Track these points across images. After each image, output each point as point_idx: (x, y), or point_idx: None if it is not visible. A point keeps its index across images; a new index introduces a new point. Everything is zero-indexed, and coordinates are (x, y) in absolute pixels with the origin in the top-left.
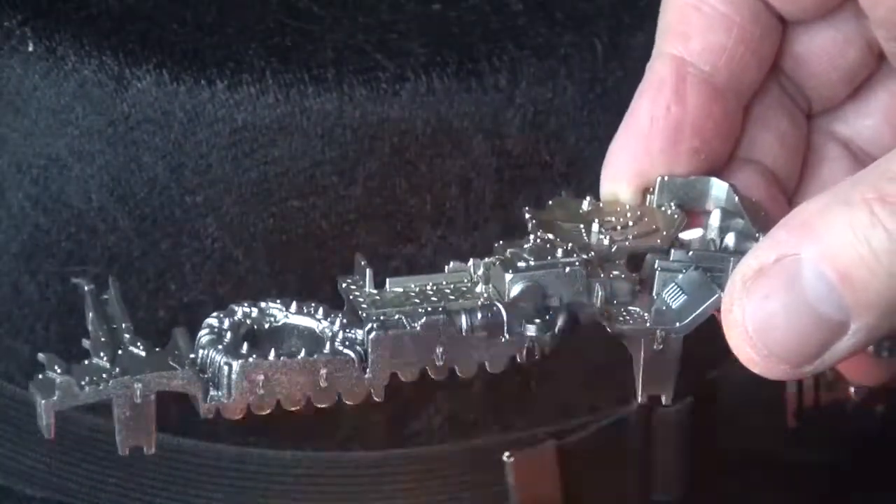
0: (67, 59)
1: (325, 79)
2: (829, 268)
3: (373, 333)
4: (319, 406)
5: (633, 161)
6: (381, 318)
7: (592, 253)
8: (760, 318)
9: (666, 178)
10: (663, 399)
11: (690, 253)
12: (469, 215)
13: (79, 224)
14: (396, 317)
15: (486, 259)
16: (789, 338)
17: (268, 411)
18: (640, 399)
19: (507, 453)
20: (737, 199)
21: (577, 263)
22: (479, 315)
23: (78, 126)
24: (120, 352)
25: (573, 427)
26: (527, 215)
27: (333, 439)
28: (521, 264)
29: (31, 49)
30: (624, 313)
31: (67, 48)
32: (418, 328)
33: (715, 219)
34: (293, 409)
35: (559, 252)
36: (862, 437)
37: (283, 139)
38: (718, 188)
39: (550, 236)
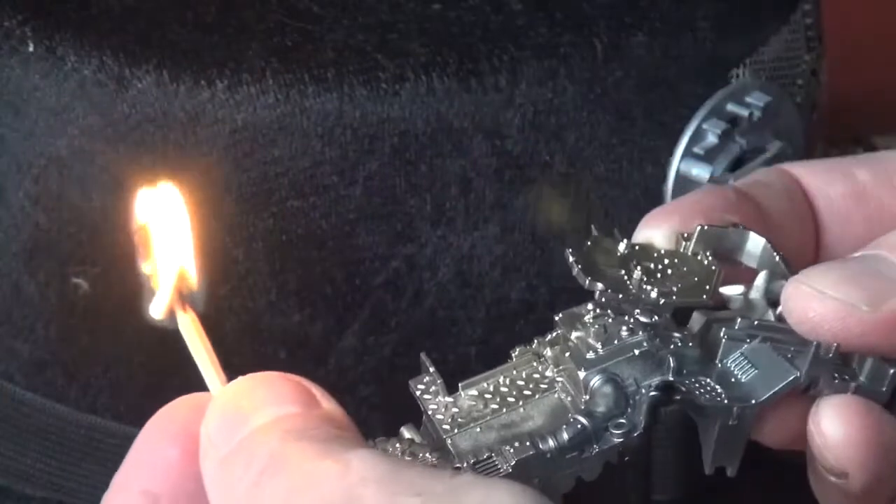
0: (67, 59)
1: (325, 79)
2: None
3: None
4: None
5: (677, 215)
6: (472, 461)
7: (655, 318)
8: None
9: (705, 226)
10: (728, 471)
11: (755, 322)
12: (469, 215)
13: (79, 224)
14: (486, 455)
15: (550, 336)
16: (842, 276)
17: None
18: (708, 471)
19: None
20: (775, 255)
21: (645, 344)
22: (566, 436)
23: (78, 126)
24: None
25: None
26: (570, 259)
27: None
28: (591, 356)
29: (31, 49)
30: (697, 385)
31: (67, 48)
32: (510, 469)
33: (760, 279)
34: None
35: (624, 331)
36: None
37: (283, 139)
38: (754, 242)
39: (600, 286)
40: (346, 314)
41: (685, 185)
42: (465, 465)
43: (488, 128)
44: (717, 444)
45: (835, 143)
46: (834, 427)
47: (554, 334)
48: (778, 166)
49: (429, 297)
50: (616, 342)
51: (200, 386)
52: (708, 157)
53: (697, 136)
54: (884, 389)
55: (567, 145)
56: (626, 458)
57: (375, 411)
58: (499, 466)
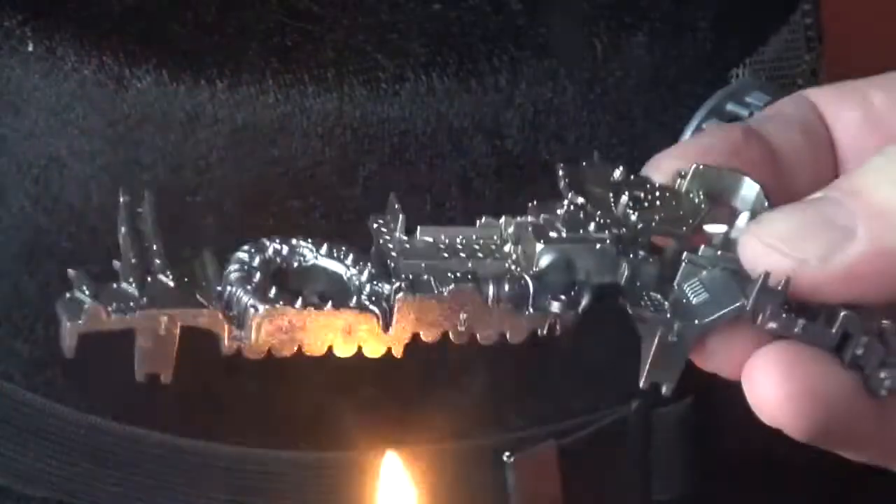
0: (67, 59)
1: (325, 79)
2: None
3: (400, 294)
4: (339, 356)
5: (681, 157)
6: (410, 276)
7: (623, 229)
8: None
9: (700, 166)
10: (663, 389)
11: (720, 253)
12: (469, 215)
13: (79, 224)
14: (425, 277)
15: (518, 219)
16: (791, 227)
17: (288, 355)
18: (642, 384)
19: (507, 453)
20: (766, 202)
21: (608, 241)
22: (507, 286)
23: (78, 126)
24: (149, 279)
25: (573, 427)
26: (560, 172)
27: (333, 439)
28: (553, 234)
29: (31, 49)
30: (645, 297)
31: (67, 48)
32: (445, 293)
33: (742, 220)
34: (313, 355)
35: (591, 225)
36: None
37: (283, 139)
38: (749, 187)
39: (581, 200)
40: None
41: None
42: (400, 282)
43: (488, 128)
44: (654, 357)
45: None
46: (765, 385)
47: (523, 218)
48: (799, 94)
49: None
50: (581, 232)
51: (200, 386)
52: None
53: None
54: (833, 331)
55: (567, 145)
56: (556, 336)
57: (375, 412)
58: (434, 289)
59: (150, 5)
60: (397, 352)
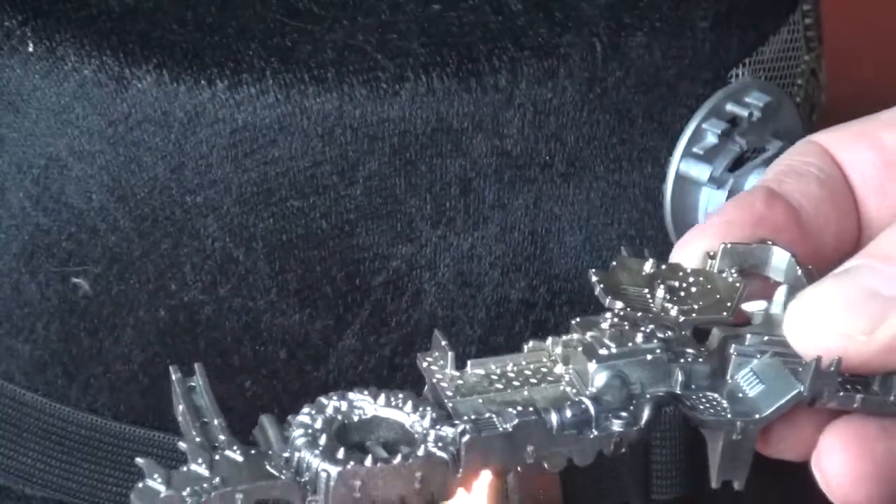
0: (67, 59)
1: (325, 79)
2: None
3: (466, 437)
4: None
5: (705, 236)
6: (472, 416)
7: (669, 332)
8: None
9: (728, 244)
10: (735, 485)
11: (766, 338)
12: (469, 215)
13: (79, 224)
14: (487, 415)
15: (565, 337)
16: (834, 303)
17: None
18: (714, 485)
19: None
20: (798, 269)
21: (658, 351)
22: (569, 413)
23: (78, 126)
24: (217, 456)
25: None
26: (594, 278)
27: None
28: (603, 352)
29: (31, 49)
30: (703, 400)
31: (67, 48)
32: (510, 429)
33: (780, 295)
34: None
35: (639, 338)
36: None
37: (283, 139)
38: (779, 257)
39: (620, 304)
40: (346, 314)
41: (685, 185)
42: (463, 424)
43: (488, 128)
44: (723, 458)
45: None
46: (836, 469)
47: (568, 336)
48: (808, 139)
49: (429, 297)
50: (630, 345)
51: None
52: (707, 157)
53: (697, 136)
54: (892, 399)
55: (567, 145)
56: (623, 452)
57: None
58: (498, 426)
59: (150, 5)
60: (468, 490)
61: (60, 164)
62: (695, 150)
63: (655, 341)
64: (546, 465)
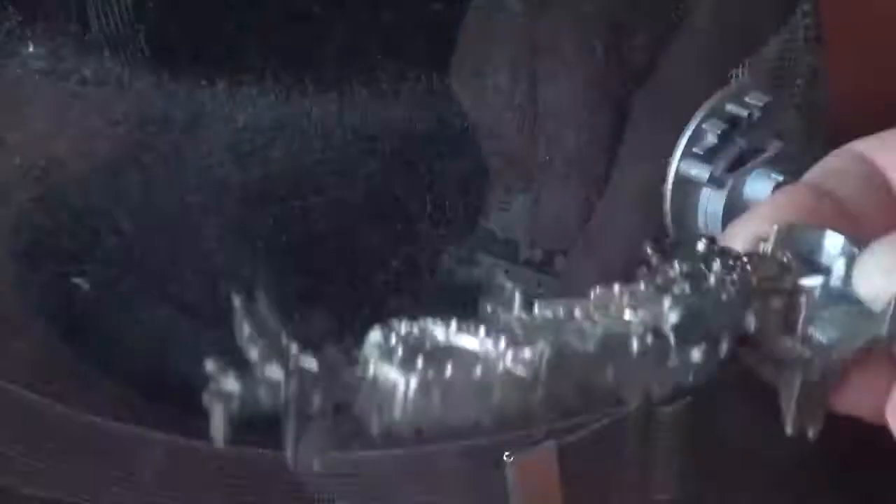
0: (67, 59)
1: (325, 79)
2: None
3: (546, 353)
4: (483, 428)
5: (754, 223)
6: (552, 339)
7: (753, 279)
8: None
9: (784, 225)
10: (810, 433)
11: (835, 289)
12: (469, 215)
13: (79, 224)
14: (566, 338)
15: (633, 285)
16: None
17: (434, 434)
18: (789, 431)
19: (507, 453)
20: (855, 249)
21: (734, 292)
22: (650, 338)
23: (78, 126)
24: (290, 364)
25: (573, 427)
26: (649, 250)
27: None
28: (677, 290)
29: (31, 49)
30: (777, 341)
31: (67, 48)
32: (591, 348)
33: (840, 266)
34: (458, 429)
35: (712, 279)
36: (859, 435)
37: (283, 139)
38: (833, 240)
39: (685, 266)
40: (347, 314)
41: (685, 185)
42: (542, 345)
43: (488, 128)
44: (799, 401)
45: (835, 143)
46: None
47: (635, 284)
48: (844, 148)
49: (429, 297)
50: (704, 287)
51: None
52: (707, 157)
53: (697, 136)
54: None
55: (567, 145)
56: (699, 387)
57: None
58: (579, 346)
59: (150, 5)
60: (544, 419)
61: (60, 164)
62: (695, 150)
63: (729, 285)
64: (624, 395)
